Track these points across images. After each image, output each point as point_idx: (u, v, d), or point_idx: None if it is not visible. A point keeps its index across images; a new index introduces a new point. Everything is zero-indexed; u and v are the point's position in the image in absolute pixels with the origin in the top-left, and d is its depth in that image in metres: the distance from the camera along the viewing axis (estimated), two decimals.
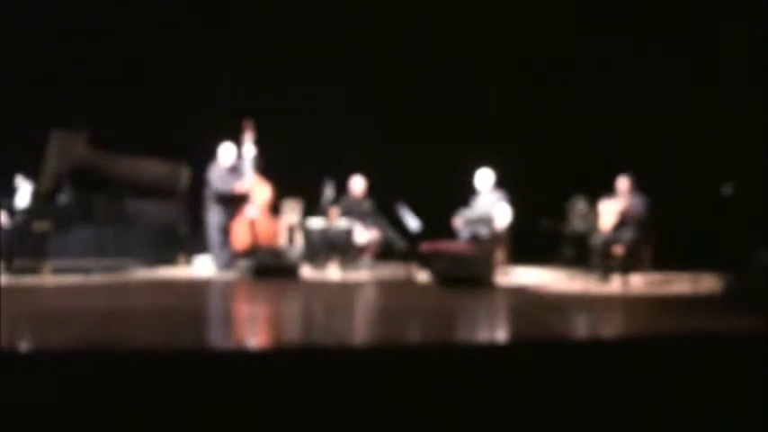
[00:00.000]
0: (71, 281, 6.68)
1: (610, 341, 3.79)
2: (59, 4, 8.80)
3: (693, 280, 6.67)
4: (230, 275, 7.29)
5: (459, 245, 7.44)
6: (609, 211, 7.17)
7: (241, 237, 7.63)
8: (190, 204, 8.32)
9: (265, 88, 8.70)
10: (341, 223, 7.93)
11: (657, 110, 8.45)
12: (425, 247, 7.25)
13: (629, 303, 5.48)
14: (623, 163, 7.41)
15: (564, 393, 3.15)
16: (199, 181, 8.00)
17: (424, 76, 9.01)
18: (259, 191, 7.77)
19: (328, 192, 7.95)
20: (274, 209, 8.05)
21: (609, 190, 7.29)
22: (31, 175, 7.65)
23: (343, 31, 8.91)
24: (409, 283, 6.86)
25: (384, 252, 8.15)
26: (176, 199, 8.34)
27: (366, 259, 7.96)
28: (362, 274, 7.56)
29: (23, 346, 3.35)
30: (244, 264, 7.24)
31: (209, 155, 7.88)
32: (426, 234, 7.62)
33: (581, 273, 7.24)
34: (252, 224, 7.67)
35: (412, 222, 7.81)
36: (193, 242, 8.35)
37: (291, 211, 8.30)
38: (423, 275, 7.05)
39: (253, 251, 7.47)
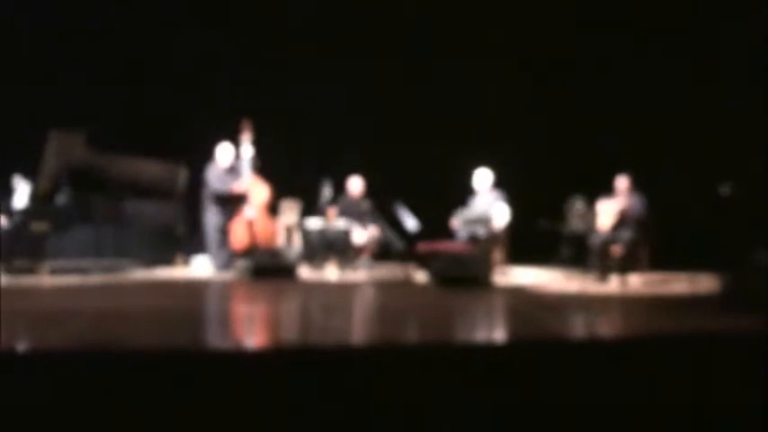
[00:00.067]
0: (69, 281, 6.67)
1: (608, 341, 3.78)
2: (59, 4, 8.80)
3: (691, 280, 6.67)
4: (228, 276, 7.28)
5: (457, 245, 7.43)
6: (608, 211, 7.16)
7: (239, 237, 7.63)
8: (188, 205, 8.33)
9: (265, 88, 8.70)
10: (339, 223, 7.93)
11: (657, 110, 8.46)
12: (423, 247, 7.25)
13: (627, 303, 5.47)
14: (623, 163, 7.41)
15: (562, 393, 3.14)
16: (197, 181, 7.99)
17: (423, 76, 9.01)
18: (257, 191, 7.77)
19: (326, 192, 7.95)
20: (272, 209, 8.05)
21: (608, 190, 7.29)
22: (29, 175, 7.65)
23: (343, 31, 8.92)
24: (407, 284, 6.85)
25: (382, 252, 8.14)
26: (174, 199, 8.34)
27: (364, 259, 7.96)
28: (360, 274, 7.55)
29: (21, 346, 3.34)
30: (242, 264, 7.23)
31: (209, 155, 7.88)
32: (424, 234, 7.62)
33: (579, 273, 7.24)
34: (250, 224, 7.66)
35: (410, 222, 7.81)
36: (191, 242, 8.35)
37: (289, 212, 8.30)
38: (421, 275, 7.05)
39: (251, 251, 7.47)
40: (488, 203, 7.77)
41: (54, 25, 8.75)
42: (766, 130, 7.36)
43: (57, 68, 8.60)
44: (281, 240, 8.13)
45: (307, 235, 8.03)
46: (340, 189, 8.24)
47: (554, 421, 3.11)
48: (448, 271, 6.49)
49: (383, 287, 6.56)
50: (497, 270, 7.14)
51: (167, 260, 8.32)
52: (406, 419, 3.03)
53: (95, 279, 6.88)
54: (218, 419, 2.92)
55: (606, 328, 4.47)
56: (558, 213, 7.58)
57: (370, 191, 8.31)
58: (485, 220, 7.60)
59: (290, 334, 4.17)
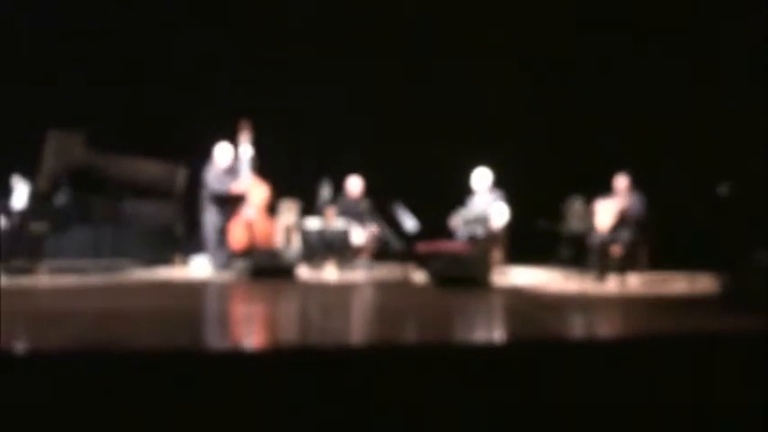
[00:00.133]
0: (68, 281, 6.66)
1: (607, 341, 3.78)
2: (59, 4, 8.79)
3: (690, 280, 6.67)
4: (227, 276, 7.27)
5: (457, 245, 7.43)
6: (607, 211, 7.15)
7: (238, 237, 7.62)
8: (187, 205, 8.32)
9: (265, 88, 8.69)
10: (338, 224, 7.92)
11: (657, 110, 8.45)
12: (422, 247, 7.25)
13: (626, 303, 5.47)
14: (623, 163, 7.41)
15: (562, 394, 3.14)
16: (196, 181, 7.99)
17: (423, 76, 9.00)
18: (256, 191, 7.77)
19: (325, 192, 7.94)
20: (271, 209, 8.04)
21: (608, 190, 7.29)
22: (28, 175, 7.64)
23: (343, 31, 8.90)
24: (406, 284, 6.84)
25: (381, 252, 8.13)
26: (173, 200, 8.33)
27: (363, 260, 7.95)
28: (359, 274, 7.55)
29: (20, 346, 3.34)
30: (240, 264, 7.22)
31: (208, 155, 7.87)
32: (423, 234, 7.61)
33: (578, 273, 7.23)
34: (249, 225, 7.66)
35: (409, 222, 7.80)
36: (190, 243, 8.33)
37: (288, 212, 8.29)
38: (419, 276, 7.04)
39: (250, 252, 7.47)
40: (487, 203, 7.76)
41: (54, 25, 8.74)
42: (766, 130, 7.36)
43: (57, 68, 8.59)
44: (279, 241, 8.12)
45: (306, 235, 8.02)
46: (339, 189, 8.24)
47: (553, 421, 3.10)
48: (447, 271, 6.49)
49: (382, 287, 6.56)
50: (496, 270, 7.13)
51: (166, 260, 8.30)
52: (405, 420, 3.03)
53: (94, 279, 6.87)
54: (218, 420, 2.92)
55: (605, 328, 4.47)
56: (558, 213, 7.57)
57: (370, 191, 8.30)
58: (483, 221, 7.60)
59: (289, 334, 4.17)
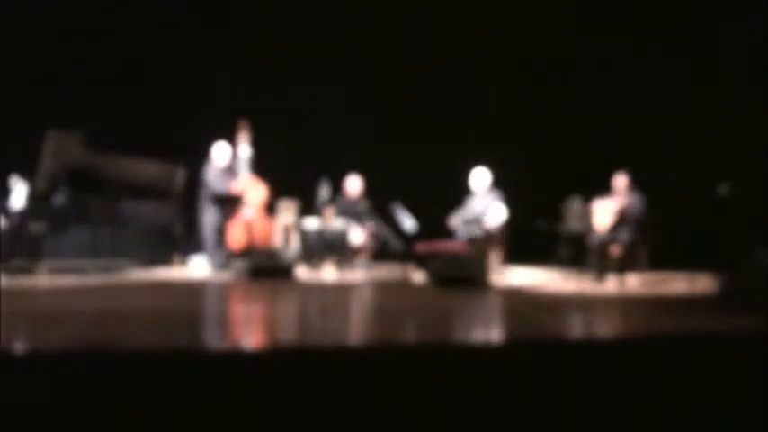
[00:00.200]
0: (67, 282, 6.66)
1: (606, 341, 3.78)
2: (59, 4, 8.79)
3: (690, 280, 6.66)
4: (226, 276, 7.27)
5: (455, 245, 7.43)
6: (605, 210, 7.15)
7: (236, 237, 7.62)
8: (185, 205, 8.31)
9: (265, 88, 8.69)
10: (336, 224, 7.91)
11: (657, 110, 8.44)
12: (421, 247, 7.24)
13: (625, 303, 5.47)
14: (623, 163, 7.40)
15: (560, 394, 3.13)
16: (195, 181, 7.98)
17: (423, 76, 8.99)
18: (254, 191, 7.76)
19: (324, 192, 7.94)
20: (270, 209, 8.04)
21: (608, 190, 7.28)
22: (27, 175, 7.63)
23: (343, 31, 8.90)
24: (405, 284, 6.84)
25: (380, 252, 8.12)
26: (172, 200, 8.32)
27: (362, 260, 7.94)
28: (358, 274, 7.54)
29: (20, 346, 3.33)
30: (239, 264, 7.22)
31: (208, 155, 7.87)
32: (422, 234, 7.61)
33: (577, 273, 7.23)
34: (247, 225, 7.65)
35: (408, 222, 7.79)
36: (189, 243, 8.33)
37: (287, 212, 8.28)
38: (418, 276, 7.04)
39: (248, 252, 7.46)
40: (485, 203, 7.76)
41: (54, 25, 8.73)
42: (766, 130, 7.35)
43: (57, 68, 8.58)
44: (278, 241, 8.12)
45: (304, 235, 8.02)
46: (338, 189, 8.23)
47: (552, 421, 3.10)
48: (446, 271, 6.49)
49: (381, 287, 6.56)
50: (495, 270, 7.13)
51: (165, 260, 8.29)
52: (404, 420, 3.03)
53: (93, 279, 6.87)
54: (217, 420, 2.92)
55: (604, 328, 4.47)
56: (558, 213, 7.56)
57: (369, 191, 8.29)
58: (482, 221, 7.60)
59: (288, 334, 4.17)
